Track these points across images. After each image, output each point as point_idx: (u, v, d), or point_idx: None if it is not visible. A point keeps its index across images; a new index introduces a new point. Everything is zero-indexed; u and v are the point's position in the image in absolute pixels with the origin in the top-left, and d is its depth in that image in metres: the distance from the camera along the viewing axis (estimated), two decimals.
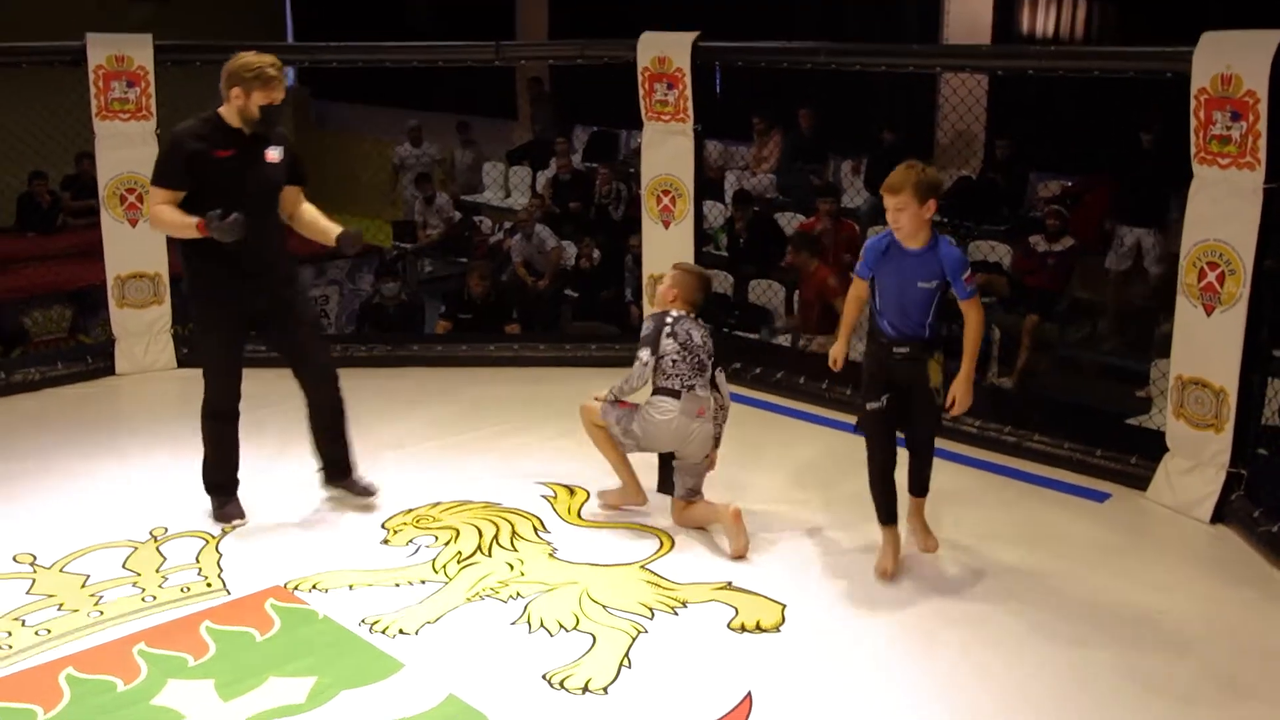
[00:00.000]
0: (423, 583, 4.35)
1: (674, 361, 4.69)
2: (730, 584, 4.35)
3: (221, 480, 4.86)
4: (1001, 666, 3.86)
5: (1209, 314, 4.87)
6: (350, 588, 4.30)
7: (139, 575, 4.38)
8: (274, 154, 4.60)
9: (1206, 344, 4.91)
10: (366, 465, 5.43)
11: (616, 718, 3.58)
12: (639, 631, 4.02)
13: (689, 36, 6.46)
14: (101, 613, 4.13)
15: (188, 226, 4.42)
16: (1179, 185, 7.81)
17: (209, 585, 4.32)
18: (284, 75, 4.54)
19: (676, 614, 4.15)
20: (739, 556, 4.55)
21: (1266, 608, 4.28)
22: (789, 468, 5.49)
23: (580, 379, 6.39)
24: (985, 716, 3.60)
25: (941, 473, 5.42)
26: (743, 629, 4.06)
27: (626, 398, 4.80)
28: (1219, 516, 4.92)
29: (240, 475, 4.91)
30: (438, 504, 5.00)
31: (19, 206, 11.11)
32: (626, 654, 3.89)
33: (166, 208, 4.48)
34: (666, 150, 6.70)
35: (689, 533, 4.78)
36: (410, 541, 4.68)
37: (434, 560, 4.52)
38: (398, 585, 4.33)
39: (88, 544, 4.61)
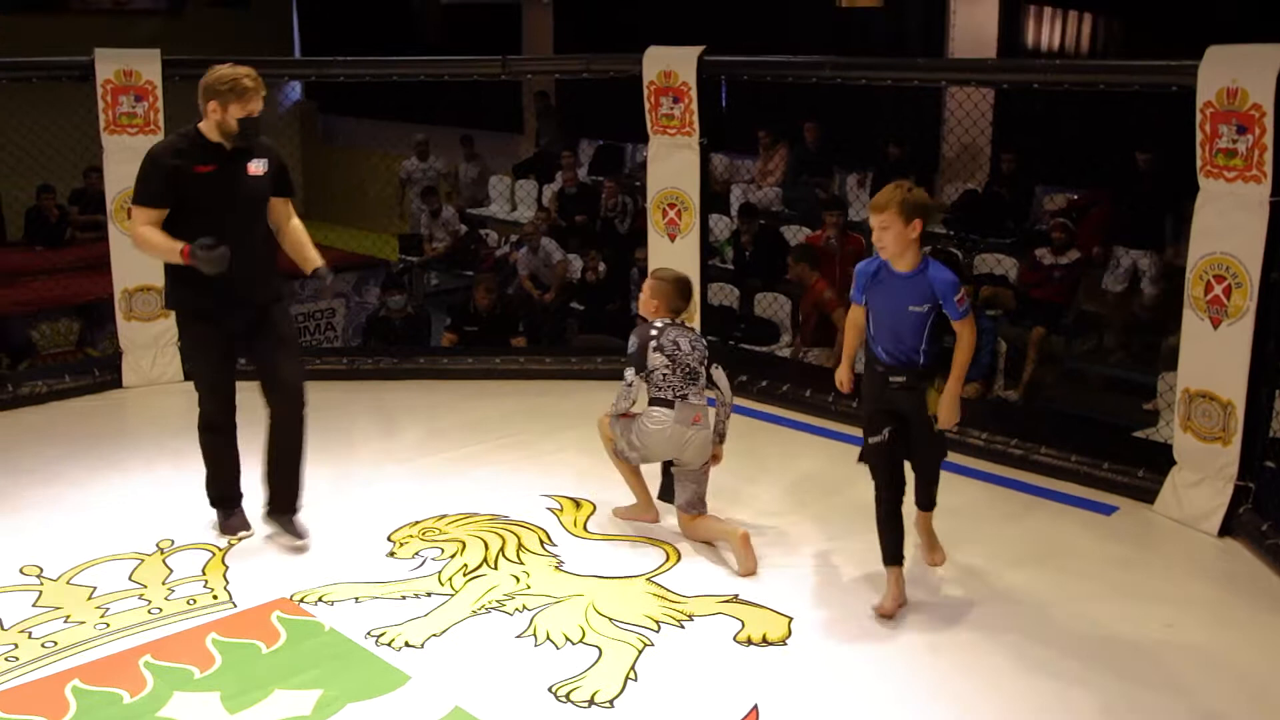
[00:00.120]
0: (429, 595, 4.34)
1: (664, 375, 4.69)
2: (737, 597, 4.35)
3: (223, 493, 4.85)
4: (1009, 679, 3.84)
5: (1216, 327, 4.87)
6: (356, 600, 4.30)
7: (145, 587, 4.38)
8: (257, 167, 4.51)
9: (1213, 357, 4.91)
10: (373, 478, 5.44)
11: None
12: (645, 644, 4.02)
13: (694, 51, 6.48)
14: (108, 625, 4.13)
15: (172, 252, 4.31)
16: (1176, 204, 7.89)
17: (215, 597, 4.32)
18: (261, 86, 4.44)
19: (683, 627, 4.15)
20: (747, 576, 4.54)
21: (1275, 621, 4.26)
22: (795, 480, 5.48)
23: (586, 392, 6.40)
24: None
25: (948, 486, 5.40)
26: (749, 642, 4.05)
27: (624, 412, 4.80)
28: (1227, 530, 4.90)
29: (244, 488, 4.89)
30: (444, 516, 5.00)
31: (27, 220, 11.16)
32: (633, 667, 3.88)
33: (150, 229, 4.37)
34: (672, 164, 6.71)
35: (695, 546, 4.77)
36: (416, 554, 4.67)
37: (440, 573, 4.52)
38: (404, 598, 4.32)
39: (94, 556, 4.61)
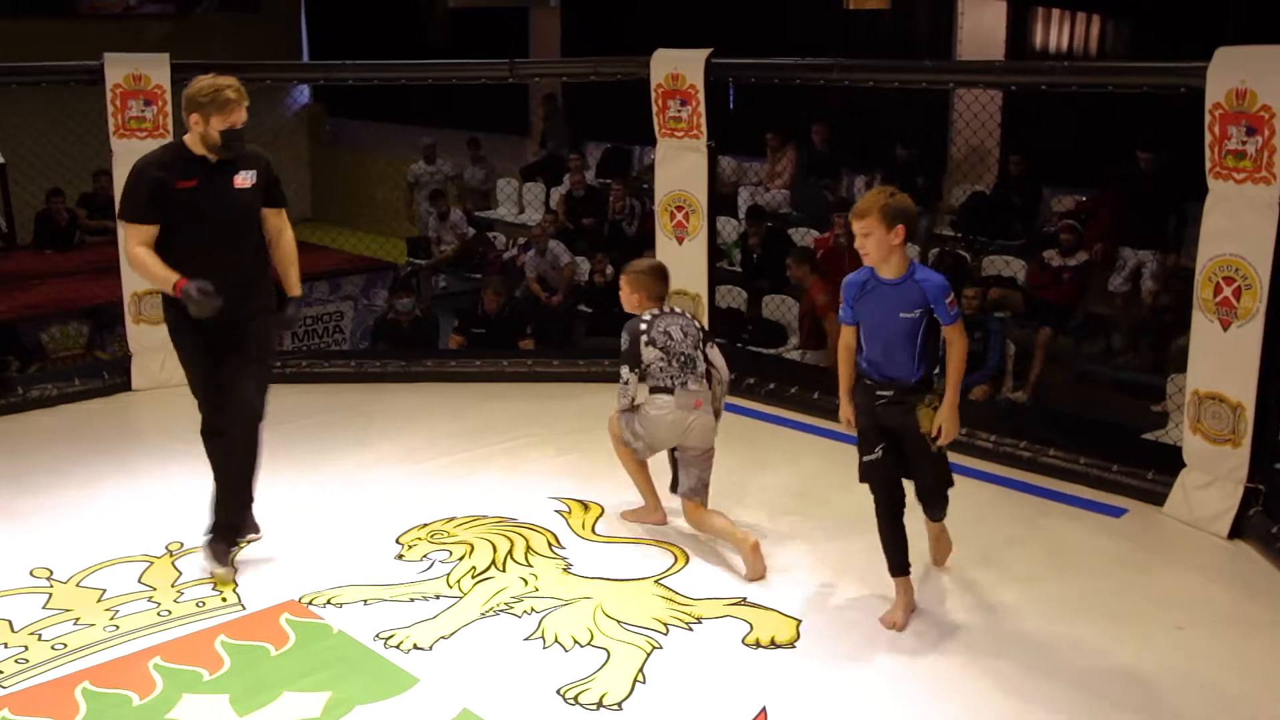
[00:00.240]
0: (437, 597, 4.35)
1: (661, 367, 4.70)
2: (745, 599, 4.34)
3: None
4: (1017, 682, 3.83)
5: (1225, 329, 4.85)
6: (365, 602, 4.30)
7: (155, 590, 4.39)
8: (244, 179, 4.38)
9: (1223, 359, 4.89)
10: (381, 480, 5.45)
11: None
12: (653, 647, 4.01)
13: (702, 53, 6.48)
14: (117, 627, 4.14)
15: (166, 282, 4.21)
16: (1180, 205, 7.87)
17: (224, 600, 4.33)
18: (244, 97, 4.31)
19: (691, 629, 4.15)
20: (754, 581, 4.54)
21: None
22: (803, 481, 5.48)
23: (594, 394, 6.40)
24: None
25: (957, 487, 5.41)
26: (757, 644, 4.05)
27: (627, 409, 4.80)
28: (1237, 532, 4.89)
29: (254, 492, 4.89)
30: (452, 519, 5.01)
31: (37, 224, 11.20)
32: (641, 669, 3.88)
33: (145, 251, 4.26)
34: (680, 166, 6.71)
35: (704, 548, 4.77)
36: (424, 556, 4.68)
37: (448, 575, 4.52)
38: (412, 600, 4.33)
39: (104, 559, 4.63)
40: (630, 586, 4.45)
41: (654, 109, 6.67)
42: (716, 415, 4.81)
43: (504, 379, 7.00)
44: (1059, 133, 8.91)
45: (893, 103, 8.95)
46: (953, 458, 5.64)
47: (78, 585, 4.44)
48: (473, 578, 4.49)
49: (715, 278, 7.01)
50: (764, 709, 3.67)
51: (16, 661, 3.92)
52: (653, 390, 4.73)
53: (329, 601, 4.31)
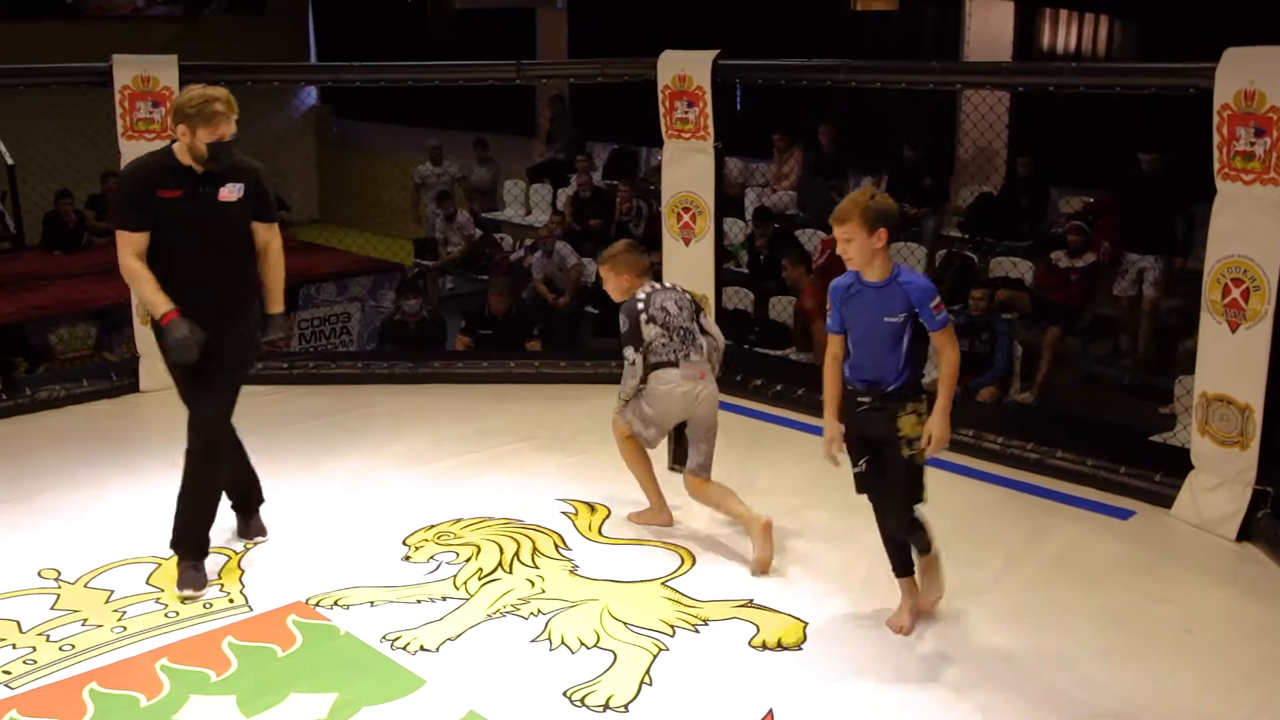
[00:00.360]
0: (444, 599, 4.35)
1: (663, 343, 4.70)
2: (751, 601, 4.34)
3: (234, 501, 4.82)
4: (1025, 683, 3.83)
5: (1233, 330, 4.84)
6: (372, 604, 4.31)
7: (162, 591, 4.40)
8: (230, 192, 4.29)
9: (1231, 360, 4.88)
10: (388, 481, 5.45)
11: None
12: (660, 649, 4.01)
13: (709, 55, 6.48)
14: (125, 628, 4.15)
15: (155, 308, 4.18)
16: (1186, 207, 7.82)
17: (231, 601, 4.34)
18: (233, 109, 4.21)
19: (697, 631, 4.14)
20: (762, 567, 4.54)
21: None
22: (809, 483, 5.47)
23: (601, 395, 6.38)
24: None
25: (965, 490, 5.41)
26: (764, 646, 4.04)
27: (630, 397, 4.78)
28: (1245, 534, 4.87)
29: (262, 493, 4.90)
30: (459, 520, 5.01)
31: (45, 225, 11.23)
32: (648, 671, 3.88)
33: (140, 265, 4.21)
34: (687, 168, 6.71)
35: (711, 550, 4.77)
36: (431, 558, 4.68)
37: (455, 577, 4.52)
38: (419, 602, 4.33)
39: (111, 560, 4.64)
40: (637, 588, 4.45)
41: (661, 110, 6.67)
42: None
43: (511, 380, 7.00)
44: (1066, 134, 8.89)
45: (900, 104, 8.94)
46: (960, 459, 5.68)
47: (86, 586, 4.45)
48: (479, 579, 4.50)
49: (722, 279, 7.00)
50: (770, 711, 3.67)
51: (25, 662, 3.93)
52: (656, 367, 4.72)
53: (336, 603, 4.31)
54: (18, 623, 4.17)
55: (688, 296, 4.85)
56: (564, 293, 10.01)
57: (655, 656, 3.96)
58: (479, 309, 8.77)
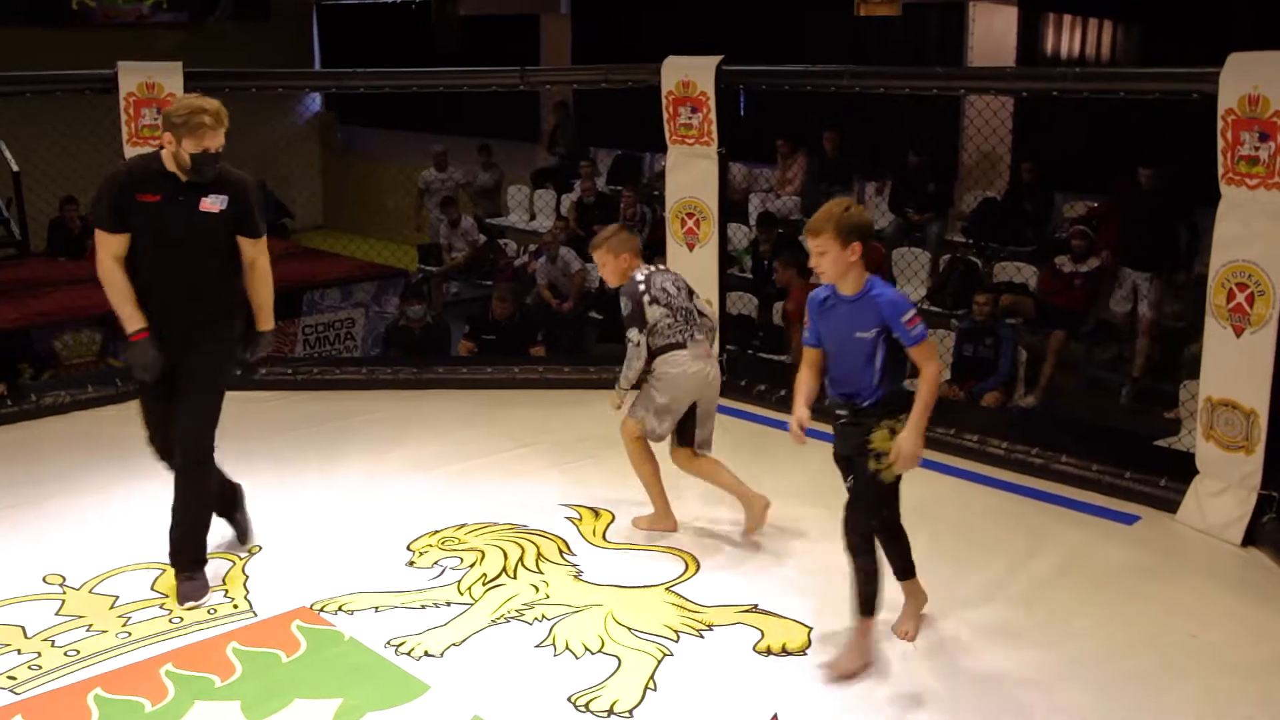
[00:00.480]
0: (448, 604, 4.35)
1: (668, 325, 4.72)
2: (756, 607, 4.33)
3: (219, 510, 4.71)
4: (1030, 690, 3.82)
5: (1238, 335, 4.84)
6: (376, 609, 4.31)
7: (167, 597, 4.40)
8: (212, 203, 4.22)
9: (1236, 365, 4.88)
10: (392, 487, 5.46)
11: None
12: (664, 654, 4.01)
13: (713, 60, 6.49)
14: (130, 634, 4.15)
15: (125, 320, 4.17)
16: (1185, 219, 7.77)
17: (235, 607, 4.34)
18: (222, 120, 4.16)
19: (702, 636, 4.14)
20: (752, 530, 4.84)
21: None
22: (813, 488, 5.45)
23: (604, 401, 6.37)
24: None
25: (969, 495, 5.41)
26: (768, 652, 4.04)
27: (632, 382, 4.78)
28: (1250, 539, 4.87)
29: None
30: (463, 526, 5.01)
31: (50, 232, 11.25)
32: (652, 676, 3.87)
33: (117, 270, 4.18)
34: (691, 173, 6.72)
35: (715, 555, 4.77)
36: (436, 563, 4.68)
37: (459, 582, 4.52)
38: (423, 607, 4.33)
39: (116, 566, 4.65)
40: (641, 594, 4.44)
41: (665, 116, 6.67)
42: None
43: (515, 386, 7.01)
44: (1070, 139, 8.89)
45: (904, 109, 8.95)
46: (964, 464, 5.69)
47: (90, 592, 4.45)
48: (484, 585, 4.50)
49: (726, 284, 7.00)
50: (775, 716, 3.66)
51: (30, 668, 3.93)
52: (663, 350, 4.72)
53: (340, 608, 4.32)
54: (23, 628, 4.18)
55: (681, 277, 4.88)
56: (568, 298, 10.01)
57: (660, 662, 3.96)
58: (483, 314, 8.77)
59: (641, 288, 4.71)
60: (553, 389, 6.95)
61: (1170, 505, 5.17)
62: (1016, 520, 5.16)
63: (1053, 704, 3.75)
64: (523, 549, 4.79)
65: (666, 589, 4.49)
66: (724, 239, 6.87)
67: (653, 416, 4.76)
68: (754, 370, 7.01)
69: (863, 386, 3.81)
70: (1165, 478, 5.26)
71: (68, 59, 7.57)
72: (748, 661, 3.99)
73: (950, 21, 10.51)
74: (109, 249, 4.20)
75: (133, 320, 4.19)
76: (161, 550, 4.72)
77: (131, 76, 6.61)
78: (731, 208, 8.04)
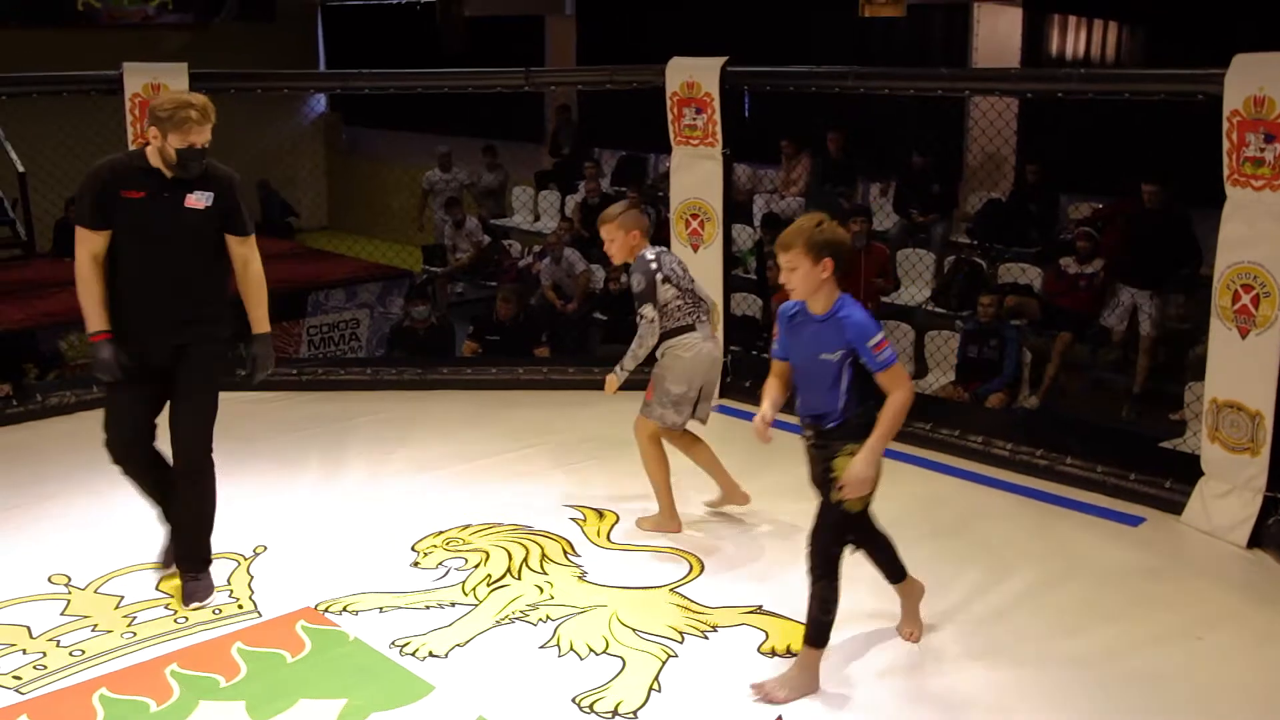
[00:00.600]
0: (452, 605, 4.35)
1: (679, 305, 4.73)
2: (760, 608, 4.33)
3: (163, 514, 4.54)
4: (1034, 691, 3.82)
5: (1243, 336, 4.83)
6: (380, 610, 4.31)
7: (172, 597, 4.41)
8: (197, 200, 4.15)
9: (1241, 367, 4.87)
10: (396, 488, 5.46)
11: None
12: (669, 655, 4.01)
13: (717, 61, 6.49)
14: (135, 634, 4.16)
15: (89, 320, 4.13)
16: (1186, 244, 7.69)
17: (240, 607, 4.35)
18: (209, 116, 4.10)
19: (707, 638, 4.14)
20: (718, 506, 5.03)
21: None
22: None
23: (609, 402, 6.37)
24: None
25: (974, 495, 5.41)
26: (773, 653, 4.04)
27: (640, 361, 4.78)
28: (1255, 541, 4.86)
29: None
30: (467, 526, 5.01)
31: (56, 232, 11.27)
32: (656, 677, 3.87)
33: (92, 269, 4.13)
34: (695, 174, 6.72)
35: (719, 556, 4.77)
36: (440, 564, 4.69)
37: (464, 583, 4.53)
38: (427, 608, 4.33)
39: (122, 565, 4.65)
40: (645, 594, 4.45)
41: (669, 117, 6.68)
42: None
43: (519, 387, 7.01)
44: (1075, 140, 8.88)
45: (908, 110, 8.95)
46: (969, 465, 5.69)
47: (96, 592, 4.46)
48: (488, 585, 4.50)
49: (730, 285, 7.01)
50: (780, 717, 3.66)
51: (35, 668, 3.94)
52: (675, 333, 4.73)
53: (345, 609, 4.32)
54: (28, 628, 4.18)
55: (681, 261, 4.91)
56: (572, 299, 10.02)
57: (664, 663, 3.96)
58: (487, 315, 8.79)
59: (654, 265, 4.71)
60: (557, 390, 6.95)
61: (1175, 507, 5.16)
62: (1021, 522, 5.16)
63: (1054, 707, 3.74)
64: (527, 550, 4.79)
65: (671, 590, 4.49)
66: (728, 240, 6.88)
67: (671, 410, 4.78)
68: (758, 371, 6.93)
69: (828, 409, 3.68)
70: (1170, 479, 5.26)
71: (73, 60, 7.58)
72: (752, 662, 3.98)
73: (955, 23, 10.50)
74: (88, 246, 4.15)
75: (96, 321, 4.15)
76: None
77: (137, 77, 6.62)
78: (736, 209, 8.04)
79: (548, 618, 4.26)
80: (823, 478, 3.74)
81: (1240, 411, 4.88)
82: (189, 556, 4.43)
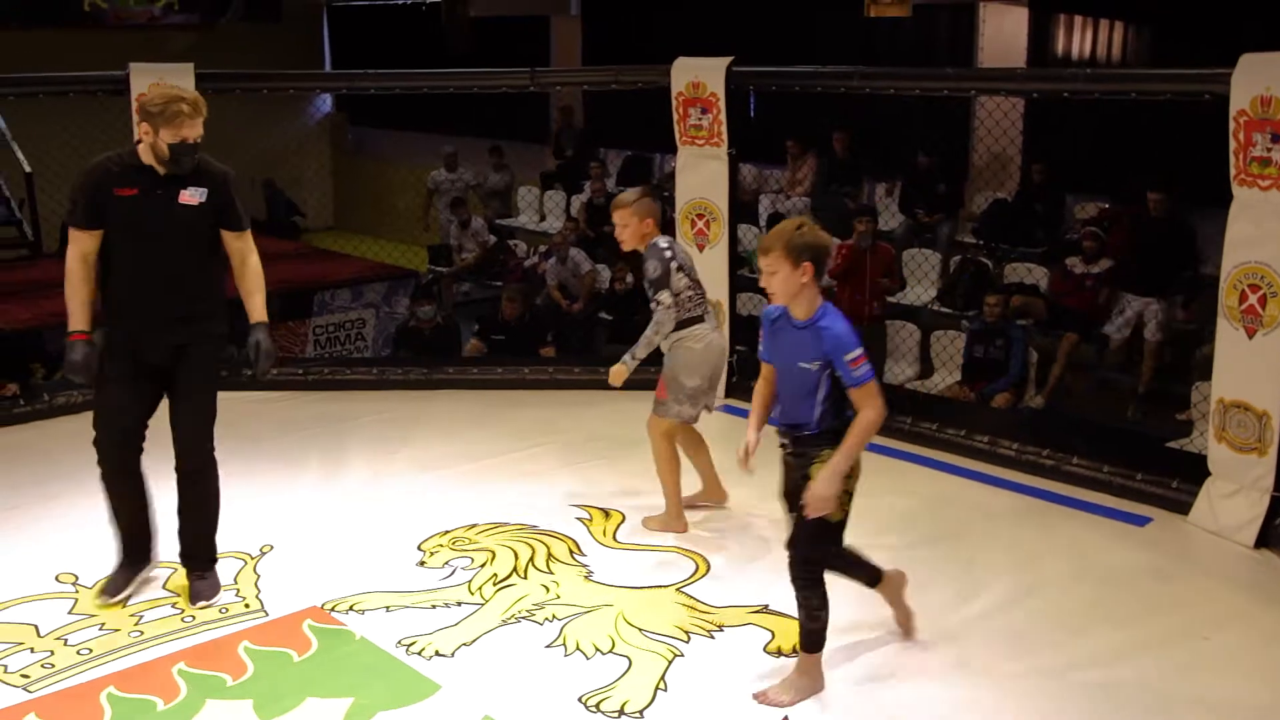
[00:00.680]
0: (459, 604, 4.36)
1: (690, 295, 4.76)
2: (766, 607, 4.33)
3: (121, 542, 4.40)
4: (1041, 692, 3.81)
5: (1250, 336, 4.83)
6: (387, 609, 4.32)
7: (179, 596, 4.42)
8: (191, 195, 4.11)
9: (1248, 367, 4.86)
10: (402, 487, 5.47)
11: None
12: (675, 654, 4.01)
13: (723, 61, 6.49)
14: (142, 633, 4.16)
15: (70, 317, 4.10)
16: (1191, 253, 7.66)
17: (247, 606, 4.35)
18: (201, 110, 4.06)
19: (712, 637, 4.14)
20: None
21: None
22: None
23: (615, 402, 6.39)
24: None
25: (980, 495, 5.41)
26: (779, 652, 4.04)
27: (654, 348, 4.77)
28: (1263, 541, 4.85)
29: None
30: (473, 526, 5.02)
31: (62, 232, 11.17)
32: (662, 677, 3.88)
33: (79, 269, 4.11)
34: (701, 174, 6.72)
35: (725, 556, 4.77)
36: (446, 563, 4.69)
37: (470, 582, 4.53)
38: (434, 607, 4.34)
39: None
40: (652, 594, 4.45)
41: (675, 117, 6.68)
42: None
43: (525, 386, 7.02)
44: (1081, 140, 8.87)
45: (914, 110, 8.95)
46: (975, 465, 5.69)
47: (101, 591, 4.46)
48: (494, 585, 4.50)
49: (736, 285, 7.01)
50: (785, 717, 3.66)
51: (43, 666, 3.95)
52: (685, 324, 4.76)
53: (351, 608, 4.32)
54: (36, 626, 4.20)
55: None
56: (578, 299, 10.02)
57: (670, 662, 3.96)
58: (493, 315, 8.79)
59: (668, 254, 4.73)
60: (562, 389, 6.95)
61: (1182, 507, 5.15)
62: (1027, 522, 5.15)
63: (1060, 707, 3.74)
64: (533, 549, 4.79)
65: (677, 590, 4.49)
66: (734, 240, 6.87)
67: (687, 405, 4.80)
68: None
69: (805, 419, 3.63)
70: (1177, 479, 5.25)
71: (80, 60, 7.59)
72: (758, 662, 3.98)
73: (961, 22, 10.49)
74: (78, 246, 4.12)
75: (76, 320, 4.13)
76: (174, 549, 4.75)
77: (143, 78, 6.62)
78: (741, 209, 8.02)
79: (554, 617, 4.27)
80: (799, 487, 3.66)
81: (1247, 411, 4.88)
82: (195, 555, 4.44)
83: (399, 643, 4.08)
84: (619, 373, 4.81)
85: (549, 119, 13.86)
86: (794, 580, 3.70)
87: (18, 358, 8.02)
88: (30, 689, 3.82)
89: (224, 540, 4.82)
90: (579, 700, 3.74)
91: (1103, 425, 6.99)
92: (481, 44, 12.34)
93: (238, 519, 4.90)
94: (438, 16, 12.60)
